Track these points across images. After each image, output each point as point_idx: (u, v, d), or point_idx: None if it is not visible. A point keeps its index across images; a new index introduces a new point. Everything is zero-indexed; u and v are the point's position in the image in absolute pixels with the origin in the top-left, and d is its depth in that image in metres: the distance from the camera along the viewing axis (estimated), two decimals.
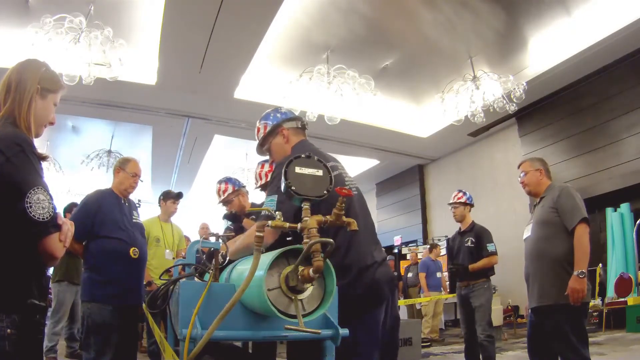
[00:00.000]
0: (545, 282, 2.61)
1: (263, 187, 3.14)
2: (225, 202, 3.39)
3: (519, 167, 3.03)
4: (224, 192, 3.39)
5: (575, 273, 2.47)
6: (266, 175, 3.11)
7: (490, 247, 4.06)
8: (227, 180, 3.46)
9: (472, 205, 4.32)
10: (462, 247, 4.18)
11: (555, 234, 2.62)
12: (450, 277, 4.43)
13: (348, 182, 1.90)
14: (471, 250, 4.08)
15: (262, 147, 2.12)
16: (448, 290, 8.39)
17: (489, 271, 4.07)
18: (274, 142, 2.04)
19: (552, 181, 2.93)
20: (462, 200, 4.27)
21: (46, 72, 1.45)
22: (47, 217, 1.20)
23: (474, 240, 4.11)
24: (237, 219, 3.20)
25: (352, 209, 1.80)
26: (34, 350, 1.29)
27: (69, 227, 1.27)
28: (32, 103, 1.37)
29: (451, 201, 4.35)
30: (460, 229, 4.33)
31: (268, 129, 2.04)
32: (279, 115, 2.07)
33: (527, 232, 2.87)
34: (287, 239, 1.81)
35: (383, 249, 2.05)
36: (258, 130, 2.10)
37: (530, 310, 2.78)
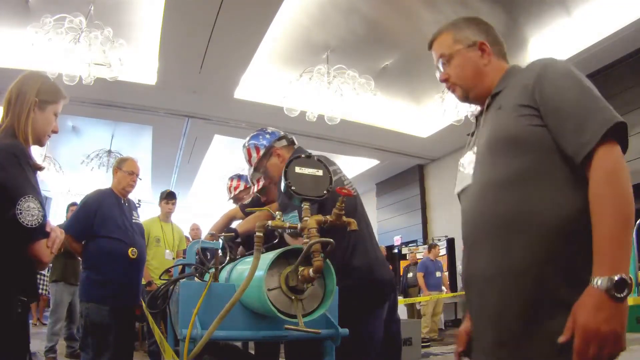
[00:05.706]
0: (505, 311, 1.02)
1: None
2: (235, 199, 3.38)
3: (430, 46, 1.34)
4: (235, 188, 3.37)
5: (595, 283, 0.89)
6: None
7: None
8: (239, 177, 3.41)
9: None
10: None
11: (538, 171, 1.07)
12: None
13: (347, 185, 1.90)
14: None
15: (258, 171, 2.09)
16: (449, 289, 8.40)
17: None
18: (269, 164, 2.04)
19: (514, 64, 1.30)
20: None
21: (44, 85, 1.51)
22: (35, 224, 1.28)
23: None
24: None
25: (356, 211, 1.83)
26: (19, 346, 1.34)
27: (57, 234, 1.35)
28: (30, 115, 1.44)
29: None
30: None
31: (262, 151, 2.03)
32: (267, 136, 2.05)
33: (465, 179, 1.30)
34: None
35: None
36: (249, 154, 2.06)
37: None
